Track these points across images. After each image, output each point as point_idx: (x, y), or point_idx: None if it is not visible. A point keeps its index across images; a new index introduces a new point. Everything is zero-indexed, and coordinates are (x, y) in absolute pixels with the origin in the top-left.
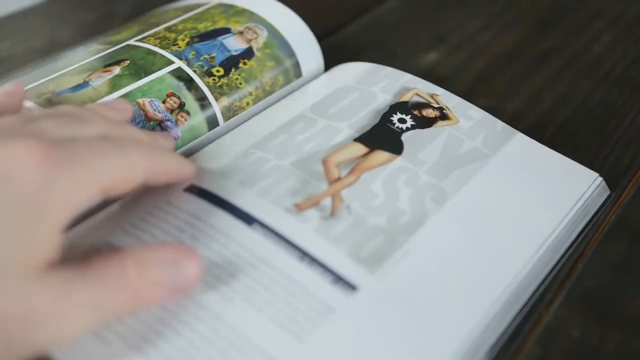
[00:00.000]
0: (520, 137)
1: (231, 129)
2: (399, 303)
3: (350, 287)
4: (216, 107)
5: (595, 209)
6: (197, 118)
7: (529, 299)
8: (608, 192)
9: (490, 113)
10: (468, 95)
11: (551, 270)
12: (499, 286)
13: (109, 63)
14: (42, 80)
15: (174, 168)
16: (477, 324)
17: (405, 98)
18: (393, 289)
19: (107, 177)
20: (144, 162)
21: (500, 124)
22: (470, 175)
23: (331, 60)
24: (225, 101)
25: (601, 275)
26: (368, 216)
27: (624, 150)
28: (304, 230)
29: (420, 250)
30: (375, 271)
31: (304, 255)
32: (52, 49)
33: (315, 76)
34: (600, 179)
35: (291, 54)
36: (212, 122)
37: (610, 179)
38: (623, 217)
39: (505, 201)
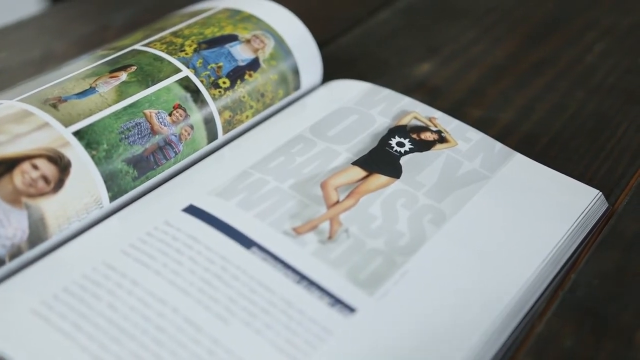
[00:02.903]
0: (519, 157)
1: (228, 142)
2: (398, 324)
3: (349, 309)
4: (218, 122)
5: (593, 223)
6: (200, 133)
7: (526, 313)
8: (607, 205)
9: (483, 124)
10: (461, 106)
11: (549, 285)
12: (498, 305)
13: (115, 68)
14: (46, 85)
15: None
16: (476, 343)
17: (403, 122)
18: (392, 311)
19: None
20: None
21: (498, 145)
22: (469, 197)
23: (325, 72)
24: (227, 115)
25: (594, 285)
26: (366, 239)
27: (617, 160)
28: (302, 254)
29: (419, 271)
30: (374, 293)
31: (302, 278)
32: (47, 61)
33: (313, 88)
34: (600, 194)
35: (294, 65)
36: (212, 136)
37: (603, 189)
38: (616, 227)
39: (504, 222)
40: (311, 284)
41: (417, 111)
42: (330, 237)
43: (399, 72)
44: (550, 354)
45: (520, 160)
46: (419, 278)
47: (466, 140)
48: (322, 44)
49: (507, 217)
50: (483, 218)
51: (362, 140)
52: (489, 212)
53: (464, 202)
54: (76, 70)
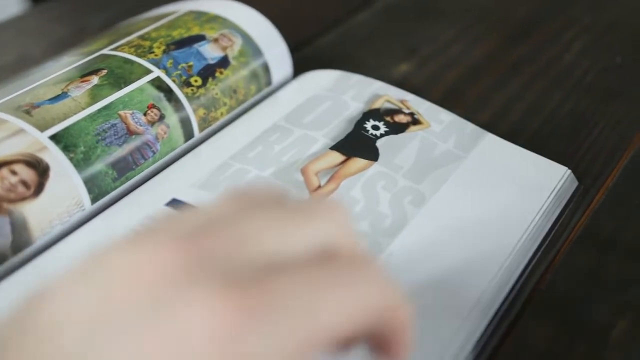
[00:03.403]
0: (490, 137)
1: (205, 140)
2: None
3: None
4: (193, 119)
5: (566, 200)
6: (176, 131)
7: (499, 307)
8: (576, 183)
9: None
10: (439, 106)
11: (530, 260)
12: (481, 283)
13: (86, 73)
14: (18, 92)
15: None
16: (462, 324)
17: (376, 105)
18: None
19: (320, 335)
20: (376, 301)
21: (470, 126)
22: (446, 177)
23: (303, 72)
24: (202, 112)
25: (569, 285)
26: None
27: (593, 159)
28: None
29: (403, 252)
30: None
31: None
32: (23, 64)
33: (284, 84)
34: (569, 171)
35: (263, 61)
36: (189, 134)
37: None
38: (591, 226)
39: (481, 200)
40: None
41: (389, 94)
42: None
43: (378, 73)
44: (525, 354)
45: (491, 140)
46: (403, 259)
47: (439, 122)
48: (300, 45)
49: (482, 196)
50: (460, 197)
51: (338, 126)
52: (466, 192)
53: (441, 183)
54: (45, 77)
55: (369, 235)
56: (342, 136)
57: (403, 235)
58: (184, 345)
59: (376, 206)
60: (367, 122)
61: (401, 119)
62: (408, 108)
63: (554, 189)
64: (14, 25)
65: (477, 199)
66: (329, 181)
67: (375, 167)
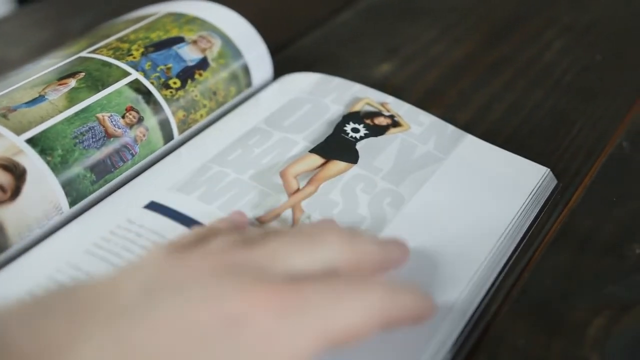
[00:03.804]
0: (470, 138)
1: (185, 142)
2: None
3: None
4: (173, 121)
5: (544, 199)
6: (155, 133)
7: (479, 305)
8: (555, 182)
9: None
10: (420, 106)
11: (508, 260)
12: (459, 282)
13: (63, 76)
14: None
15: (415, 311)
16: (441, 324)
17: (356, 108)
18: None
19: (339, 328)
20: (382, 306)
21: (450, 128)
22: (425, 179)
23: (285, 73)
24: (181, 115)
25: (547, 283)
26: None
27: (572, 157)
28: None
29: None
30: None
31: None
32: (2, 68)
33: (265, 85)
34: (549, 170)
35: (243, 63)
36: (168, 136)
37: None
38: (569, 224)
39: (460, 202)
40: None
41: (369, 97)
42: (293, 225)
43: (359, 73)
44: (503, 353)
45: (471, 141)
46: None
47: (419, 124)
48: (281, 46)
49: (462, 197)
50: (439, 199)
51: (318, 129)
52: (445, 193)
53: (420, 184)
54: (22, 80)
55: None
56: (322, 139)
57: (382, 237)
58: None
59: (355, 208)
60: (347, 125)
61: (381, 121)
62: (388, 111)
63: (533, 189)
64: None
65: (456, 200)
66: (308, 184)
67: (355, 169)
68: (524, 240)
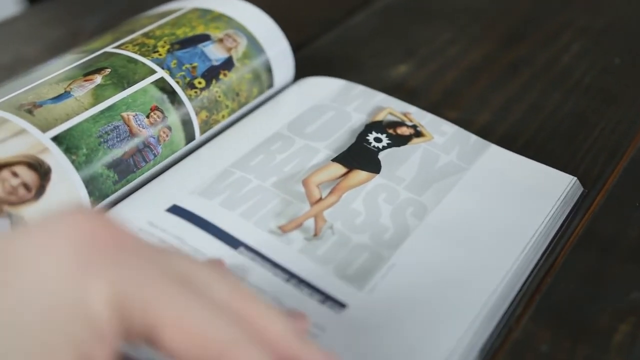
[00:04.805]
0: (494, 148)
1: (206, 142)
2: (388, 317)
3: (339, 304)
4: (195, 122)
5: (570, 207)
6: (178, 134)
7: (505, 312)
8: (581, 189)
9: (461, 125)
10: (438, 108)
11: (532, 271)
12: (484, 291)
13: (88, 71)
14: (19, 91)
15: None
16: (465, 332)
17: (379, 117)
18: (381, 303)
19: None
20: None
21: (473, 138)
22: (448, 189)
23: (301, 74)
24: (204, 115)
25: (570, 288)
26: (352, 234)
27: (593, 160)
28: (289, 252)
29: (405, 263)
30: (363, 287)
31: (291, 276)
32: (18, 65)
33: (286, 86)
34: (575, 179)
35: (266, 64)
36: (190, 137)
37: None
38: (592, 228)
39: (484, 211)
40: (300, 281)
41: (391, 106)
42: (315, 234)
43: (376, 74)
44: (527, 358)
45: (495, 151)
46: (406, 270)
47: (441, 134)
48: (298, 47)
49: (486, 207)
50: (463, 209)
51: (340, 137)
52: (469, 203)
53: (444, 194)
54: (47, 75)
55: (369, 247)
56: (344, 148)
57: (405, 247)
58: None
59: (378, 219)
60: (369, 134)
61: (404, 131)
62: (411, 121)
63: (559, 198)
64: (9, 26)
65: (480, 210)
66: (330, 193)
67: (377, 179)
68: (550, 246)
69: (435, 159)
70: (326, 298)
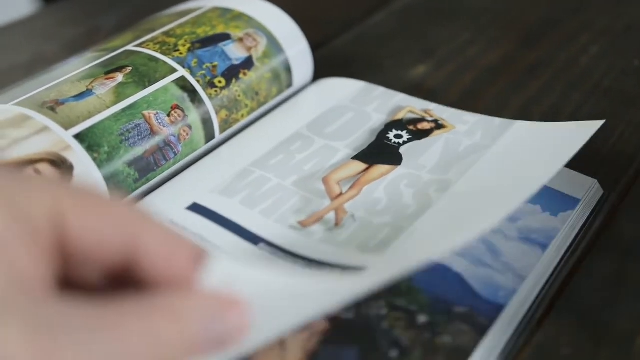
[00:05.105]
0: (519, 123)
1: (225, 141)
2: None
3: (358, 270)
4: (215, 121)
5: (591, 210)
6: (198, 133)
7: (525, 314)
8: (602, 192)
9: None
10: (456, 108)
11: (552, 274)
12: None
13: (110, 70)
14: (41, 89)
15: None
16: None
17: (399, 116)
18: (401, 262)
19: None
20: None
21: (497, 120)
22: (472, 164)
23: (319, 74)
24: (224, 114)
25: (592, 291)
26: (374, 218)
27: (613, 163)
28: (310, 243)
29: (426, 228)
30: (383, 254)
31: (311, 262)
32: (37, 64)
33: (305, 85)
34: (596, 182)
35: (286, 63)
36: (210, 136)
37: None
38: (613, 232)
39: (509, 178)
40: (321, 264)
41: (411, 105)
42: (337, 224)
43: (395, 75)
44: None
45: (520, 125)
46: (427, 233)
47: (464, 123)
48: (316, 46)
49: (511, 173)
50: (487, 179)
51: (360, 137)
52: (493, 173)
53: (467, 169)
54: (69, 73)
55: (391, 224)
56: (364, 147)
57: (427, 215)
58: None
59: (400, 199)
60: (389, 132)
61: (424, 126)
62: (431, 116)
63: (580, 201)
64: (26, 25)
65: (504, 176)
66: (351, 188)
67: (399, 170)
68: (570, 249)
69: (458, 144)
70: (345, 268)
